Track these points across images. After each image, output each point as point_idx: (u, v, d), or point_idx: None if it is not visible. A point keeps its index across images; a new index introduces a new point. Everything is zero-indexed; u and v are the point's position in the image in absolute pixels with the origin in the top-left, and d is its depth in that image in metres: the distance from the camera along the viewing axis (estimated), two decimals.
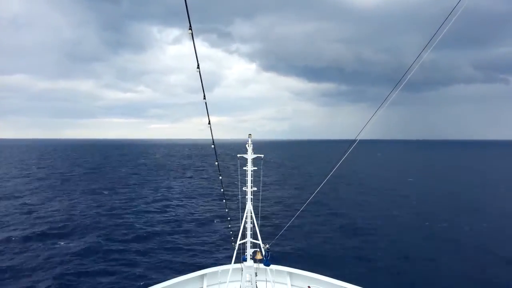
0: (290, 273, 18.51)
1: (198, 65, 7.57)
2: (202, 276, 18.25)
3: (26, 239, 35.30)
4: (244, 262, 15.72)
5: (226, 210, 25.95)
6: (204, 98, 8.51)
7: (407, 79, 10.18)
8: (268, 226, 40.61)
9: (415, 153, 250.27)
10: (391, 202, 57.82)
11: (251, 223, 15.83)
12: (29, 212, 46.76)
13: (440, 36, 8.83)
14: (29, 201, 54.87)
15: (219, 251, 32.54)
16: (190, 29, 6.88)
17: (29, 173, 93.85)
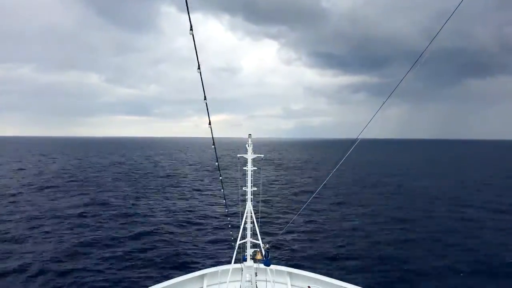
0: (290, 273, 18.57)
1: (199, 65, 7.58)
2: (202, 276, 18.30)
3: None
4: (244, 262, 15.80)
5: (226, 210, 26.07)
6: (205, 99, 8.55)
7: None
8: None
9: None
10: None
11: (251, 223, 15.92)
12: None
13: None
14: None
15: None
16: (191, 29, 6.87)
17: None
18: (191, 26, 6.74)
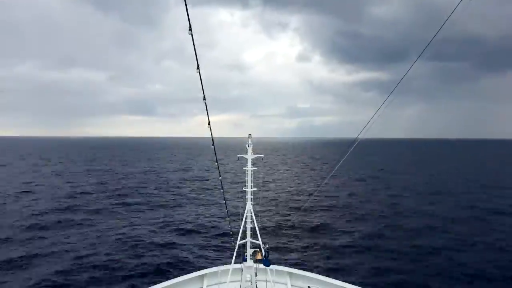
0: (290, 273, 18.56)
1: (198, 65, 7.55)
2: (202, 276, 18.29)
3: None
4: (244, 262, 15.81)
5: (226, 210, 26.06)
6: (204, 99, 8.52)
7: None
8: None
9: None
10: None
11: (251, 223, 15.93)
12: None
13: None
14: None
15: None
16: (190, 29, 6.84)
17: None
18: (190, 26, 6.70)
